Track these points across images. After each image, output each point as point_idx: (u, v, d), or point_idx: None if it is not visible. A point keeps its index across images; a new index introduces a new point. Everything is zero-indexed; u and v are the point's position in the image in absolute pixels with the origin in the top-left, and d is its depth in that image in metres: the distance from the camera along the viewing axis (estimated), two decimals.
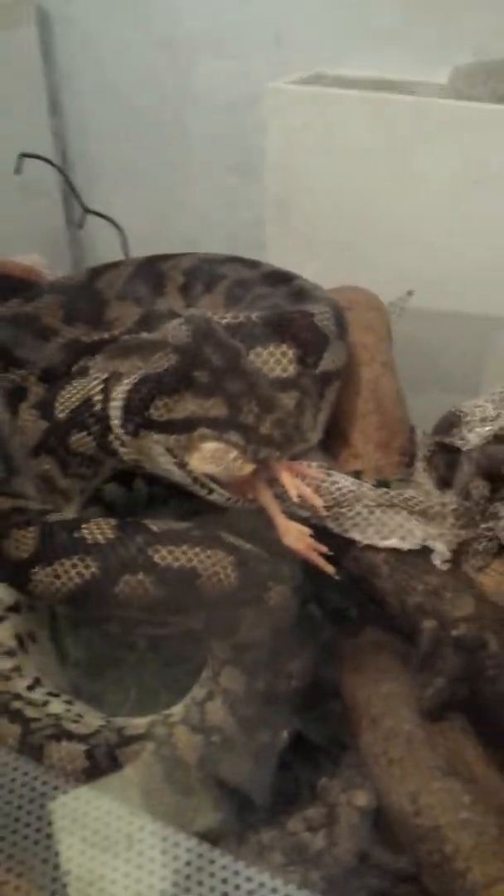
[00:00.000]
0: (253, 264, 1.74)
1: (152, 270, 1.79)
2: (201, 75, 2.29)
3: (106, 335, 1.59)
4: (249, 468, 1.16)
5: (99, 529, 1.20)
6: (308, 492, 1.21)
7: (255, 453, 1.16)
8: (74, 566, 1.18)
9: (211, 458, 1.18)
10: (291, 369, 1.43)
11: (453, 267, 1.98)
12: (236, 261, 1.76)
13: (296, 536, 1.19)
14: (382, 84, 2.12)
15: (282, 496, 1.22)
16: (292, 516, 1.23)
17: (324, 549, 1.19)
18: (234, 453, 1.17)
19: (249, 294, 1.65)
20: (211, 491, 1.21)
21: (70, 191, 2.22)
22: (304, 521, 1.25)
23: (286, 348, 1.42)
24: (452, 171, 1.96)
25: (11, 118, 2.35)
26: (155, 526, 1.21)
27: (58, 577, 1.18)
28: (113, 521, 1.22)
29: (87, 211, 2.15)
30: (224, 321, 1.42)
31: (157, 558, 1.16)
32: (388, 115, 2.02)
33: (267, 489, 1.20)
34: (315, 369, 1.45)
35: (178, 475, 1.24)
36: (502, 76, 2.05)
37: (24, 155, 2.19)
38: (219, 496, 1.21)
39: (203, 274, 1.75)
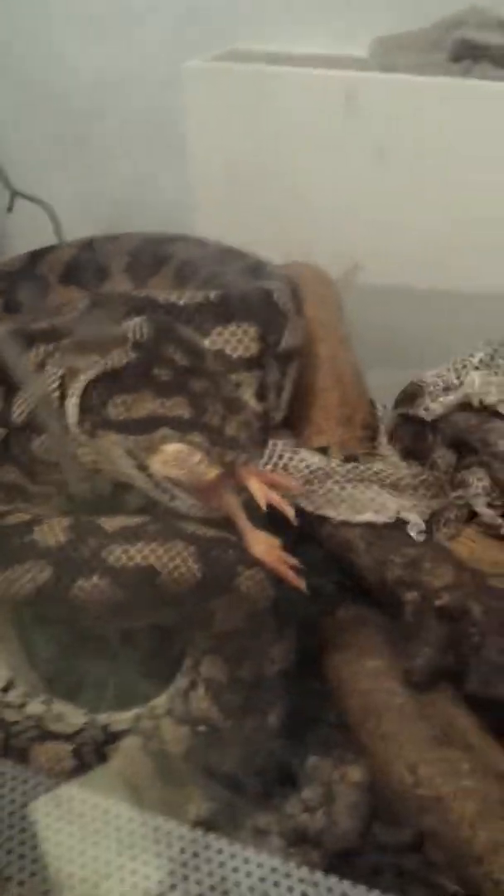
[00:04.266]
0: (200, 242, 1.71)
1: (95, 252, 1.74)
2: (111, 55, 2.21)
3: (56, 321, 1.54)
4: (214, 472, 1.10)
5: (51, 531, 1.16)
6: (278, 500, 1.13)
7: (220, 457, 1.09)
8: (28, 571, 1.14)
9: (173, 460, 1.11)
10: (254, 348, 1.40)
11: (390, 241, 1.98)
12: (182, 239, 1.73)
13: (264, 549, 1.13)
14: (302, 59, 2.10)
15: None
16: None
17: (294, 561, 1.14)
18: (198, 456, 1.10)
19: (199, 273, 1.62)
20: (173, 497, 1.15)
21: None
22: None
23: (247, 327, 1.40)
24: (381, 143, 1.96)
25: None
26: (108, 525, 1.17)
27: (12, 582, 1.14)
28: (66, 522, 1.17)
29: (16, 193, 2.07)
30: (181, 301, 1.39)
31: (111, 560, 1.12)
32: (313, 89, 2.01)
33: (234, 496, 1.13)
34: (276, 347, 1.43)
35: (139, 479, 1.18)
36: (420, 47, 2.06)
37: None
38: (181, 503, 1.15)
39: (149, 254, 1.71)
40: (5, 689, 1.30)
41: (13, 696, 1.29)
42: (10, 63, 2.28)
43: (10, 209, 2.07)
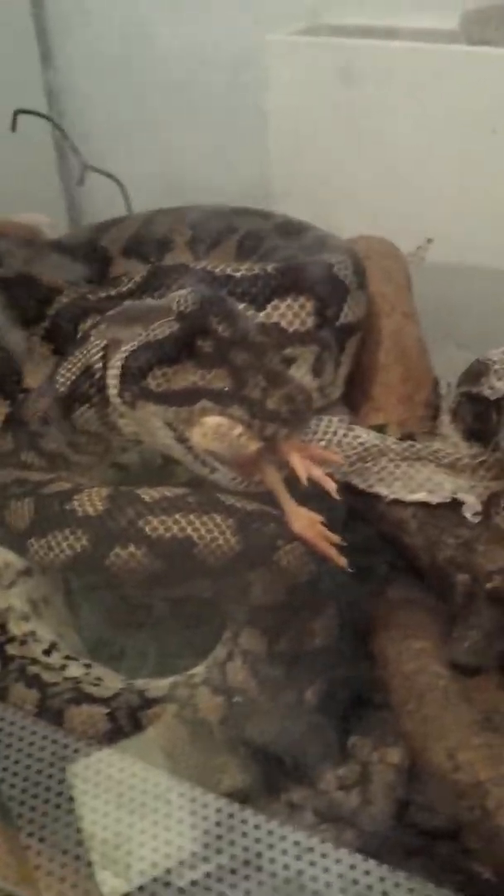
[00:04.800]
0: (264, 215, 1.70)
1: (158, 225, 1.74)
2: (195, 27, 2.20)
3: (113, 292, 1.54)
4: (255, 446, 1.08)
5: (90, 501, 1.17)
6: (320, 474, 1.11)
7: (261, 430, 1.07)
8: (66, 538, 1.15)
9: (213, 433, 1.10)
10: (310, 322, 1.38)
11: (466, 218, 1.92)
12: (246, 212, 1.71)
13: (305, 524, 1.11)
14: (388, 33, 2.05)
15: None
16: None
17: (335, 538, 1.11)
18: (238, 429, 1.08)
19: (262, 246, 1.60)
20: (213, 470, 1.14)
21: (69, 147, 2.15)
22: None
23: (304, 300, 1.37)
24: (465, 120, 1.91)
25: (2, 72, 2.27)
26: (148, 495, 1.16)
27: (51, 548, 1.16)
28: (105, 492, 1.18)
29: (88, 167, 2.09)
30: (238, 274, 1.37)
31: (148, 529, 1.12)
32: (397, 63, 1.97)
33: (274, 471, 1.12)
34: (335, 322, 1.40)
35: (178, 451, 1.17)
36: None
37: (20, 111, 2.12)
38: (222, 476, 1.14)
39: (212, 226, 1.70)
40: (47, 652, 1.32)
41: (54, 658, 1.30)
42: (86, 36, 2.30)
43: (79, 183, 2.08)
